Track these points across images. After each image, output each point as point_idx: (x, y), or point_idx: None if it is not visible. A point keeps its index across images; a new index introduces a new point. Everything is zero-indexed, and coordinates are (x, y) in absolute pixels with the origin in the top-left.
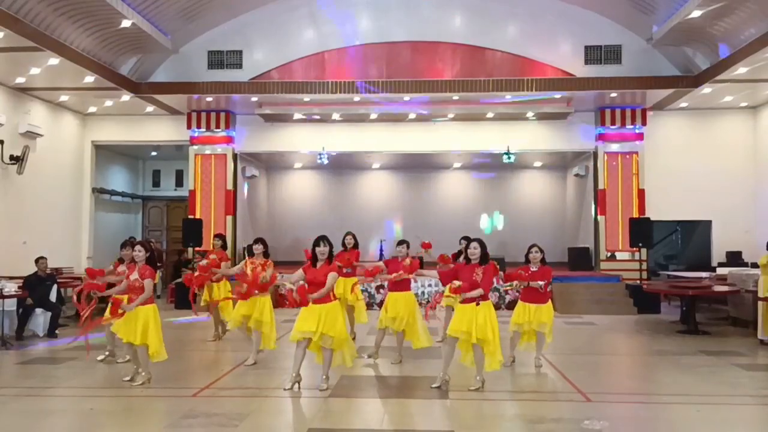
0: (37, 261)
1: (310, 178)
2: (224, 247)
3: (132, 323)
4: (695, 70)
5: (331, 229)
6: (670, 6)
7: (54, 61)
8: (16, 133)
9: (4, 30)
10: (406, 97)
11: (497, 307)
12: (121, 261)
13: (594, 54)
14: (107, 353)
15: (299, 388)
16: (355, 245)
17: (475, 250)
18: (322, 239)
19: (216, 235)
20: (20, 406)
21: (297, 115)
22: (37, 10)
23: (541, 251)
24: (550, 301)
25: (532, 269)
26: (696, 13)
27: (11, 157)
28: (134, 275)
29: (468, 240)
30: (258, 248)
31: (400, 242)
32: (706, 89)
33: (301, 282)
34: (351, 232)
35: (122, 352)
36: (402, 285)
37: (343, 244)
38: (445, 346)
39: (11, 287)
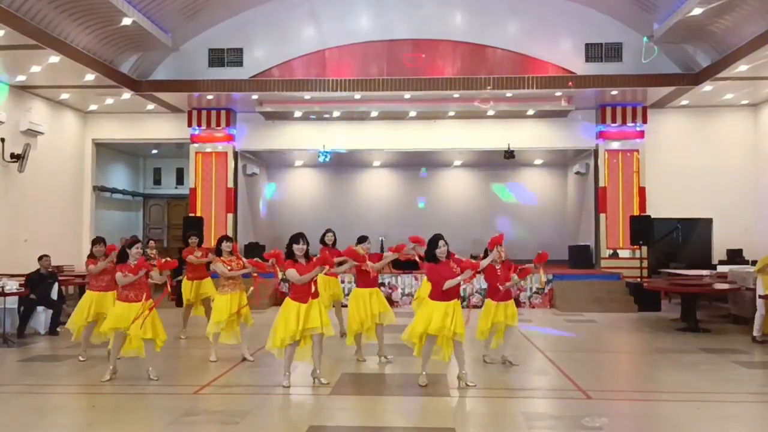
0: (40, 259)
1: (311, 176)
2: (201, 243)
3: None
4: (696, 68)
5: (331, 226)
6: (671, 3)
7: (54, 59)
8: (17, 131)
9: (4, 28)
10: (407, 95)
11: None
12: (93, 257)
13: (595, 51)
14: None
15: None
16: (334, 244)
17: (443, 248)
18: (301, 237)
19: (192, 234)
20: (22, 403)
21: (297, 113)
22: (38, 8)
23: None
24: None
25: (497, 267)
26: (697, 11)
27: (12, 155)
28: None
29: (438, 238)
30: (228, 246)
31: (362, 238)
32: (707, 87)
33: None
34: (331, 229)
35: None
36: (372, 281)
37: (323, 242)
38: (427, 345)
39: (13, 285)
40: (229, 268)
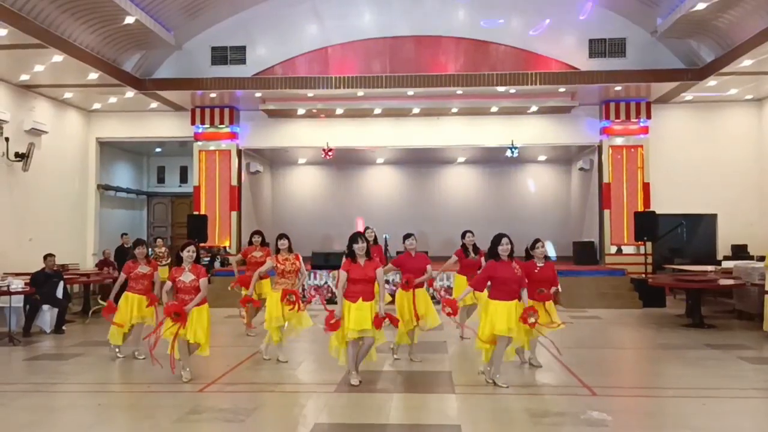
0: (45, 258)
1: (314, 174)
2: (264, 243)
3: (195, 323)
4: (700, 63)
5: (335, 224)
6: None
7: (58, 58)
8: (21, 130)
9: (8, 27)
10: (410, 92)
11: None
12: (134, 260)
13: (598, 47)
14: (136, 351)
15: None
16: (375, 240)
17: (506, 246)
18: (359, 236)
19: (256, 232)
20: (28, 401)
21: (300, 110)
22: (41, 7)
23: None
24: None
25: (538, 265)
26: (701, 6)
27: (16, 155)
28: (188, 276)
29: (502, 236)
30: (283, 244)
31: (408, 235)
32: (711, 82)
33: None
34: (369, 226)
35: (143, 349)
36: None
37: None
38: (500, 345)
39: (18, 284)
40: (281, 267)
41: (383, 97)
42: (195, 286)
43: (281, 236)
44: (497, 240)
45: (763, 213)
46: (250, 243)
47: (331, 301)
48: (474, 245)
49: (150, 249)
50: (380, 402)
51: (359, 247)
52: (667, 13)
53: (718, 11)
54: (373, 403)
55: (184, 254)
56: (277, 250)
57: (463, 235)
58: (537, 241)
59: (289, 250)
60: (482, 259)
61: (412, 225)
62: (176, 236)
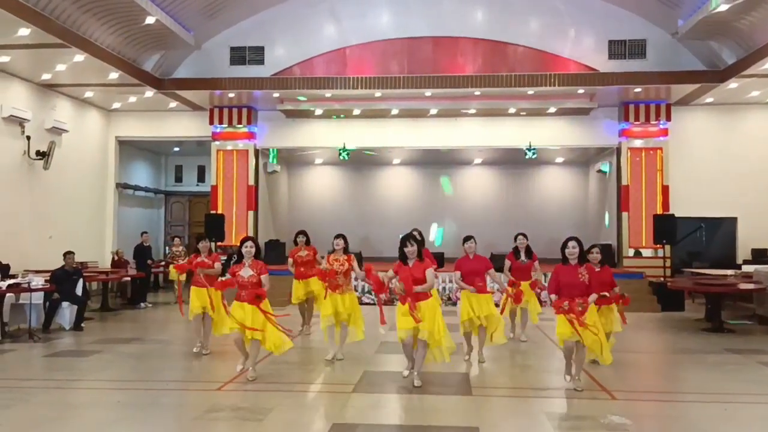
0: (65, 256)
1: (331, 174)
2: (308, 242)
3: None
4: (721, 65)
5: (351, 224)
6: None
7: (79, 57)
8: (42, 128)
9: (31, 27)
10: (428, 93)
11: None
12: (197, 252)
13: (618, 48)
14: (199, 345)
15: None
16: (422, 241)
17: (573, 250)
18: (408, 240)
19: (300, 232)
20: (48, 398)
21: (318, 111)
22: (63, 7)
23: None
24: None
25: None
26: (723, 7)
27: (38, 153)
28: (248, 271)
29: (570, 239)
30: (338, 244)
31: (467, 238)
32: (732, 84)
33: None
34: (417, 228)
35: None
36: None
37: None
38: (567, 345)
39: (38, 281)
40: (329, 267)
41: (401, 98)
42: (255, 282)
43: (338, 236)
44: (564, 243)
45: None
46: (296, 243)
47: None
48: (527, 248)
49: (168, 248)
50: (398, 403)
51: (410, 251)
52: (689, 14)
53: (740, 13)
54: (390, 404)
55: (244, 250)
56: (333, 250)
57: (515, 238)
58: (572, 240)
59: (345, 251)
60: (535, 263)
61: (428, 225)
62: (193, 235)
